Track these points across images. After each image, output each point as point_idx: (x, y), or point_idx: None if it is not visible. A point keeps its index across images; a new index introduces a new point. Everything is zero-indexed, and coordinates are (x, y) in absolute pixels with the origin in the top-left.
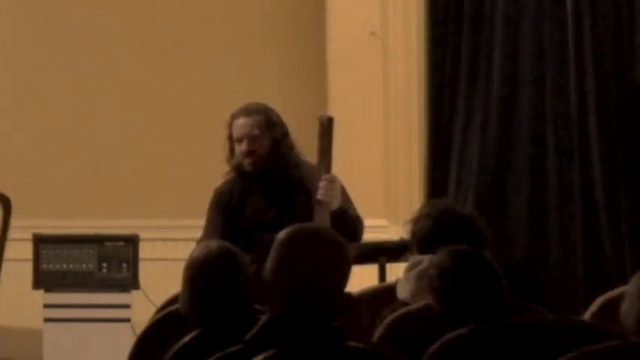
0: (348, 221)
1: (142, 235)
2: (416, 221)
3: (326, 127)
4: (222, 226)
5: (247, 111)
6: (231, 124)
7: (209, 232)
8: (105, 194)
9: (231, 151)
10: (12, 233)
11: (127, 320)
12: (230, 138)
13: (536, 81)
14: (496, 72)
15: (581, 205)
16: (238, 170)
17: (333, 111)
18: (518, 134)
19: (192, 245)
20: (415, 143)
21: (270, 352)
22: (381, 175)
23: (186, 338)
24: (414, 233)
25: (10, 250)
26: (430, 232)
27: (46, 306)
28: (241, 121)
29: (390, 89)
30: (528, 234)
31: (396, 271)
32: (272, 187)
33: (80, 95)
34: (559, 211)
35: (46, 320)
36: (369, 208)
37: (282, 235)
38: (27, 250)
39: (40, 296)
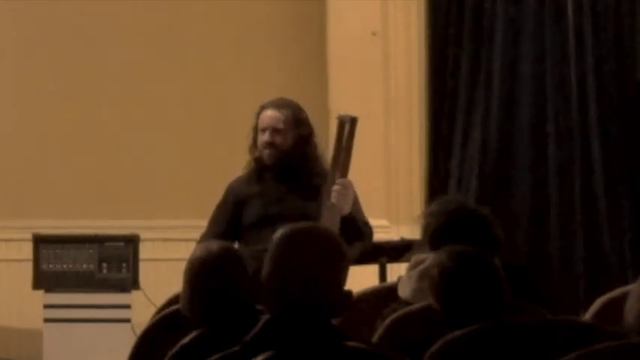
0: (356, 226)
1: (142, 235)
2: (429, 215)
3: (348, 129)
4: (226, 222)
5: (277, 104)
6: (259, 114)
7: (211, 227)
8: (105, 194)
9: (255, 141)
10: (12, 233)
11: (127, 321)
12: (255, 129)
13: (537, 80)
14: (497, 72)
15: (581, 205)
16: (258, 162)
17: (333, 111)
18: (518, 134)
19: (193, 245)
20: (416, 143)
21: (270, 352)
22: (381, 175)
23: (187, 339)
24: (426, 227)
25: (10, 250)
26: (443, 227)
27: (46, 306)
28: (269, 113)
29: (391, 89)
30: (529, 234)
31: (397, 271)
32: (289, 181)
33: (80, 95)
34: (560, 211)
35: (46, 320)
36: (369, 208)
37: (278, 234)
38: (27, 250)
39: (40, 296)
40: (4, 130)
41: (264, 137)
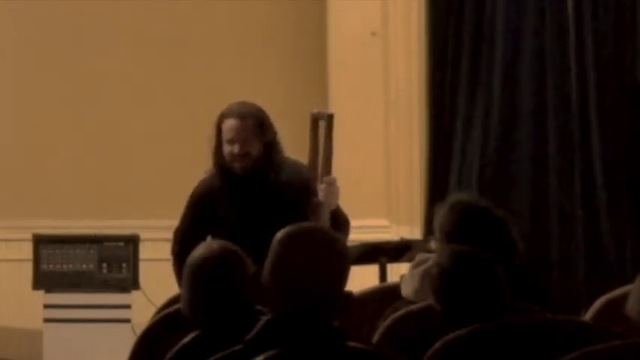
0: (339, 221)
1: (142, 235)
2: (447, 210)
3: (326, 126)
4: (199, 227)
5: (240, 113)
6: (220, 123)
7: (184, 232)
8: (105, 194)
9: (217, 149)
10: (12, 233)
11: (127, 321)
12: (218, 136)
13: (538, 81)
14: (497, 71)
15: (582, 205)
16: (224, 170)
17: (333, 111)
18: (519, 134)
19: None
20: (416, 143)
21: (271, 352)
22: (381, 175)
23: (187, 339)
24: (439, 222)
25: (10, 250)
26: (455, 226)
27: (46, 306)
28: (234, 123)
29: (391, 89)
30: (529, 234)
31: (397, 271)
32: (259, 191)
33: (80, 95)
34: (560, 211)
35: (46, 320)
36: (369, 208)
37: (279, 235)
38: (27, 250)
39: (40, 296)
40: (4, 130)
41: (233, 149)
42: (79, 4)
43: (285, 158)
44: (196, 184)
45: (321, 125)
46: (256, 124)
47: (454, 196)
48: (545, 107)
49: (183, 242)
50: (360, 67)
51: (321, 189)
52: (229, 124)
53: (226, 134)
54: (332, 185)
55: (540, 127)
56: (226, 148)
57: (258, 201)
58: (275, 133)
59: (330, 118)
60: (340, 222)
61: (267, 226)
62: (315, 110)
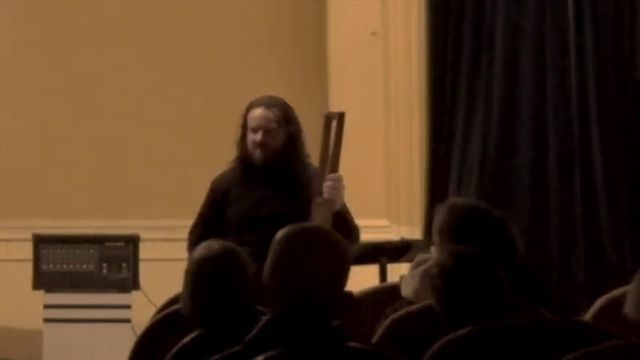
0: (346, 224)
1: (142, 235)
2: (444, 211)
3: (337, 124)
4: (212, 221)
5: (267, 103)
6: (247, 113)
7: (198, 225)
8: (105, 194)
9: (243, 138)
10: (12, 233)
11: (128, 321)
12: (244, 126)
13: (538, 80)
14: (497, 70)
15: (582, 206)
16: (245, 159)
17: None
18: (519, 134)
19: None
20: (416, 143)
21: (271, 352)
22: (381, 175)
23: (187, 339)
24: (439, 222)
25: (10, 250)
26: (455, 226)
27: (46, 306)
28: (260, 112)
29: (391, 89)
30: (529, 235)
31: (397, 271)
32: (277, 182)
33: (81, 95)
34: (560, 212)
35: (46, 320)
36: (369, 208)
37: (279, 234)
38: (27, 250)
39: (40, 296)
40: (4, 131)
41: (256, 137)
42: (79, 4)
43: (307, 156)
44: (215, 178)
45: (333, 125)
46: (282, 116)
47: (453, 198)
48: (545, 107)
49: (200, 233)
50: (360, 67)
51: (326, 186)
52: (255, 112)
53: (251, 122)
54: (338, 182)
55: (540, 127)
56: (250, 137)
57: (273, 192)
58: (300, 130)
59: (341, 117)
60: (348, 228)
61: (278, 219)
62: (328, 110)
